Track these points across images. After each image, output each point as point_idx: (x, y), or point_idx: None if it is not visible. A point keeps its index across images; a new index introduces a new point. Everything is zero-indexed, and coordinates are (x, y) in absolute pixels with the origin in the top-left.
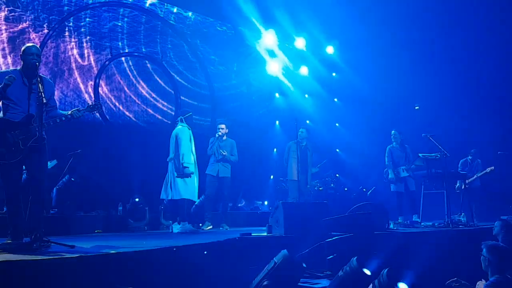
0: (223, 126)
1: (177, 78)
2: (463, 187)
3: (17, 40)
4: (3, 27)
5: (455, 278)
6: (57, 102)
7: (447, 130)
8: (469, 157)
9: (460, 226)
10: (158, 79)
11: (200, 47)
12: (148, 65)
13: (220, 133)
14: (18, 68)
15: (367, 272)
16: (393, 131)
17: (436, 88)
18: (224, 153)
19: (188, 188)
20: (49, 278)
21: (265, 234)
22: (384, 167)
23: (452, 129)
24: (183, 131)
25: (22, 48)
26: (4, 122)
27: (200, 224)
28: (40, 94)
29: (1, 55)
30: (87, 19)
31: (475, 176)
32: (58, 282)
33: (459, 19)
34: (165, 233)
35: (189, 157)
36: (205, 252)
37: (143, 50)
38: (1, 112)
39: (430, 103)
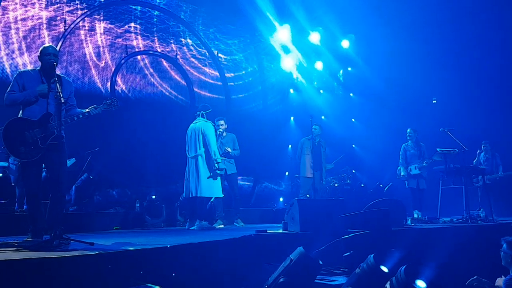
0: (222, 122)
1: (192, 73)
2: (482, 182)
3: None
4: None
5: (475, 277)
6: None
7: (465, 124)
8: (483, 151)
9: (479, 222)
10: (173, 74)
11: (214, 41)
12: (164, 62)
13: (220, 130)
14: (38, 68)
15: (385, 269)
16: (408, 130)
17: (454, 81)
18: (228, 150)
19: (214, 186)
20: (69, 275)
21: (280, 231)
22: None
23: (470, 123)
24: (208, 127)
25: (40, 49)
26: (23, 121)
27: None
28: (58, 93)
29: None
30: (102, 18)
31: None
32: (78, 279)
33: (477, 12)
34: (182, 230)
35: (218, 154)
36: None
37: (158, 47)
38: (20, 111)
39: (448, 96)
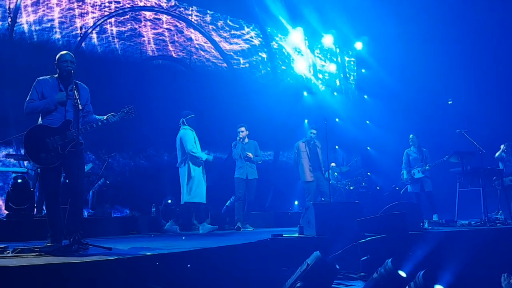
0: (242, 129)
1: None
2: (501, 184)
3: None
4: None
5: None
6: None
7: (482, 125)
8: (503, 153)
9: (498, 224)
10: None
11: (225, 46)
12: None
13: (241, 136)
14: (55, 75)
15: (403, 274)
16: (411, 135)
17: (470, 81)
18: (250, 155)
19: (198, 192)
20: (88, 279)
21: (296, 235)
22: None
23: (487, 124)
24: (185, 134)
25: (57, 56)
26: (44, 128)
27: (239, 226)
28: (76, 100)
29: None
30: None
31: None
32: (97, 284)
33: (494, 11)
34: (197, 234)
35: (201, 152)
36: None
37: (172, 53)
38: (40, 118)
39: (464, 97)
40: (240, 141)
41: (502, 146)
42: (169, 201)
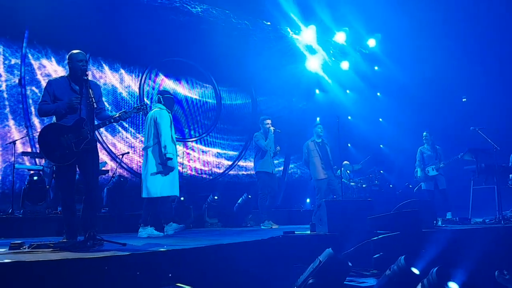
0: (269, 121)
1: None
2: None
3: None
4: None
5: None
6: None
7: (496, 122)
8: None
9: None
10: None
11: (237, 44)
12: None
13: (272, 128)
14: (65, 75)
15: (416, 271)
16: (424, 133)
17: (484, 78)
18: (278, 149)
19: (167, 183)
20: (103, 274)
21: (308, 232)
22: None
23: (501, 122)
24: (161, 115)
25: (68, 55)
26: (58, 127)
27: (262, 224)
28: (91, 99)
29: None
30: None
31: None
32: (111, 279)
33: (505, 8)
34: (210, 231)
35: (172, 147)
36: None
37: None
38: (54, 117)
39: (478, 94)
40: (275, 133)
41: None
42: (182, 198)
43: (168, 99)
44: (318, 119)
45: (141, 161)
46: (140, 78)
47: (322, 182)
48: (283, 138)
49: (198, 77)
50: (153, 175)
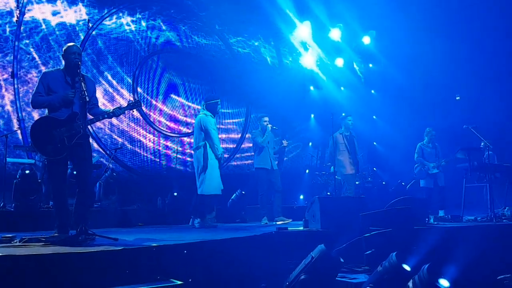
0: (266, 118)
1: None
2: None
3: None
4: None
5: (509, 275)
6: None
7: (489, 121)
8: None
9: (504, 220)
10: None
11: (232, 38)
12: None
13: (269, 125)
14: (61, 67)
15: (407, 267)
16: (428, 128)
17: (478, 77)
18: (285, 144)
19: (213, 183)
20: (94, 269)
21: (301, 228)
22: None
23: (494, 120)
24: (206, 120)
25: (64, 48)
26: (50, 120)
27: (265, 221)
28: (83, 92)
29: None
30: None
31: None
32: (103, 273)
33: (502, 5)
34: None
35: (220, 148)
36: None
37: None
38: (46, 110)
39: (471, 93)
40: (273, 131)
41: None
42: (175, 193)
43: (210, 105)
44: (312, 116)
45: (133, 155)
46: None
47: (350, 177)
48: (280, 135)
49: None
50: (203, 174)
